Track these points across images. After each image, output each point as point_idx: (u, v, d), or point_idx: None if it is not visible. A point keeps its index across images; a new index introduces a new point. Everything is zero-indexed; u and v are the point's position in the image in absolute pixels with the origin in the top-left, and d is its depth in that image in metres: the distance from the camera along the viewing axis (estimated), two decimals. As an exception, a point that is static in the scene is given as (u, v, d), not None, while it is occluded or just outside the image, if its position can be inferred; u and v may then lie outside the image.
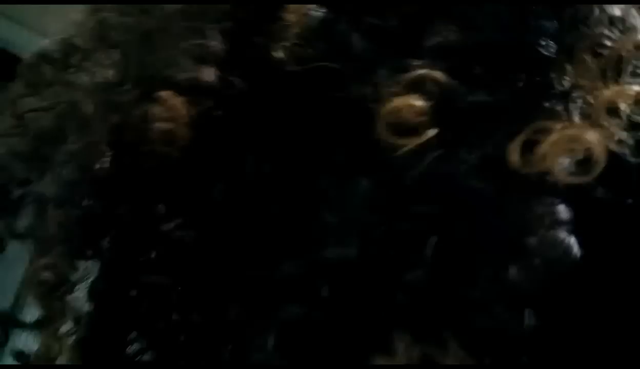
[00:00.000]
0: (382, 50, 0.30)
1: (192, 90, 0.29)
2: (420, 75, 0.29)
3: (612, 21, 0.28)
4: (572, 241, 0.27)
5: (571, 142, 0.26)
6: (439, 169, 0.28)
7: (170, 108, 0.29)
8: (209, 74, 0.29)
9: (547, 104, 0.28)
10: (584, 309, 0.28)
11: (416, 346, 0.27)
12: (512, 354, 0.27)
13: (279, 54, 0.30)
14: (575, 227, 0.27)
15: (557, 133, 0.26)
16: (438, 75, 0.29)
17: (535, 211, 0.27)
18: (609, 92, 0.27)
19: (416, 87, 0.29)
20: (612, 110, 0.27)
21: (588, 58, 0.27)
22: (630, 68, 0.27)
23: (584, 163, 0.26)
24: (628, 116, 0.27)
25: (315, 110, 0.30)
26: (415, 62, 0.29)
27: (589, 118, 0.26)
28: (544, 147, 0.26)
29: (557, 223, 0.27)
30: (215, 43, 0.29)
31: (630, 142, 0.27)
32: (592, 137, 0.26)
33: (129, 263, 0.30)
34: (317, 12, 0.31)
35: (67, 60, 0.35)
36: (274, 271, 0.28)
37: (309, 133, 0.30)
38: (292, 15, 0.30)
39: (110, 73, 0.33)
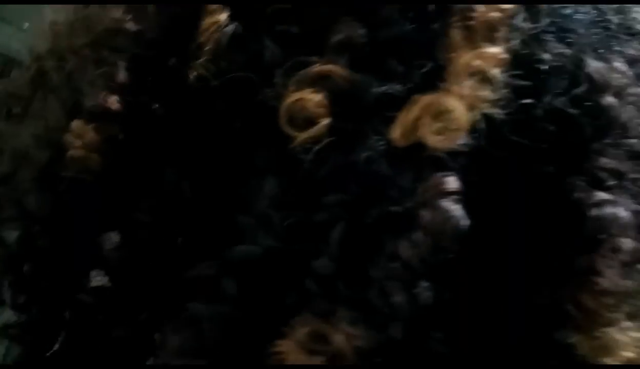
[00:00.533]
0: (290, 51, 0.31)
1: (99, 117, 0.30)
2: (319, 71, 0.30)
3: None
4: (459, 210, 0.27)
5: (431, 109, 0.27)
6: (345, 159, 0.29)
7: (79, 136, 0.30)
8: (113, 101, 0.30)
9: (433, 82, 0.28)
10: (479, 278, 0.28)
11: (308, 324, 0.27)
12: (407, 329, 0.27)
13: (194, 73, 0.31)
14: (466, 195, 0.28)
15: (418, 103, 0.27)
16: (337, 69, 0.30)
17: (424, 184, 0.28)
18: (467, 57, 0.27)
19: (317, 82, 0.30)
20: (482, 75, 0.27)
21: (458, 31, 0.28)
22: (501, 35, 0.28)
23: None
24: (497, 79, 0.27)
25: (228, 119, 0.31)
26: (315, 59, 0.30)
27: (453, 84, 0.27)
28: (407, 118, 0.27)
29: (445, 194, 0.27)
30: (120, 70, 0.31)
31: (502, 102, 0.27)
32: (450, 102, 0.26)
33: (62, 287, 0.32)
34: (228, 27, 0.32)
35: (9, 109, 0.37)
36: (187, 274, 0.29)
37: (223, 142, 0.31)
38: (204, 33, 0.32)
39: (48, 116, 0.35)
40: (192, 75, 0.31)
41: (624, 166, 0.31)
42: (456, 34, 0.28)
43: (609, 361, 0.27)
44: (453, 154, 0.29)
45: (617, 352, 0.27)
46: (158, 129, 0.31)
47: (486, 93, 0.27)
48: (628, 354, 0.27)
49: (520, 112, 0.29)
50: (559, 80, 0.31)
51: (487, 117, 0.28)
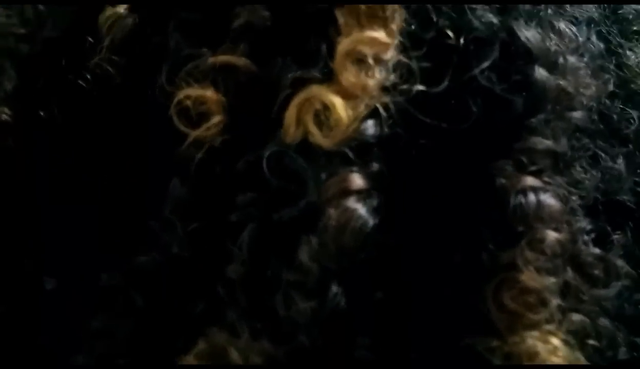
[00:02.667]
0: (193, 41, 0.29)
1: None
2: (213, 62, 0.28)
3: None
4: (363, 210, 0.25)
5: (310, 105, 0.24)
6: (250, 155, 0.27)
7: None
8: (2, 112, 0.29)
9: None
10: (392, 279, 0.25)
11: (209, 338, 0.25)
12: (322, 337, 0.25)
13: (90, 73, 0.29)
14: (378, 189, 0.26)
15: (298, 97, 0.25)
16: (234, 59, 0.28)
17: (328, 182, 0.25)
18: (348, 42, 0.24)
19: (210, 74, 0.28)
20: (366, 61, 0.24)
21: (343, 12, 0.25)
22: (390, 13, 0.25)
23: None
24: (389, 63, 0.25)
25: (131, 119, 0.29)
26: (205, 51, 0.28)
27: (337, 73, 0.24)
28: (290, 114, 0.25)
29: (348, 193, 0.25)
30: (8, 77, 0.29)
31: (403, 86, 0.25)
32: (328, 96, 0.24)
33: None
34: (127, 19, 0.30)
35: None
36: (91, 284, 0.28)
37: (127, 144, 0.29)
38: (102, 28, 0.30)
39: None
40: (88, 75, 0.29)
41: (561, 145, 0.28)
42: (342, 15, 0.25)
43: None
44: (359, 146, 0.26)
45: (539, 359, 0.24)
46: (54, 136, 0.29)
47: (374, 80, 0.25)
48: (554, 359, 0.25)
49: (430, 94, 0.26)
50: (482, 53, 0.28)
51: (384, 105, 0.25)
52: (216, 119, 0.27)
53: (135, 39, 0.30)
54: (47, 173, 0.29)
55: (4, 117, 0.29)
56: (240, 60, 0.27)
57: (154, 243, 0.28)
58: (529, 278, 0.25)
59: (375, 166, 0.26)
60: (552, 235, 0.25)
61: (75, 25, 0.30)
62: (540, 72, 0.28)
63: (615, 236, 0.30)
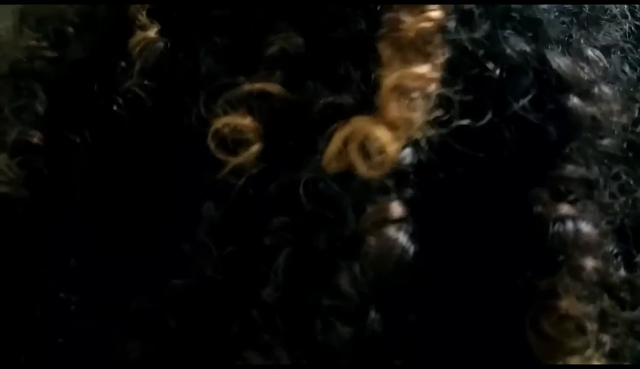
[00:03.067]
0: (226, 67, 0.29)
1: (21, 151, 0.29)
2: (249, 90, 0.28)
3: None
4: (404, 239, 0.25)
5: (357, 136, 0.24)
6: (286, 181, 0.27)
7: (4, 172, 0.28)
8: (34, 135, 0.28)
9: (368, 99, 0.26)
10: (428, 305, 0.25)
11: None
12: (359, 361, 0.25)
13: (121, 98, 0.29)
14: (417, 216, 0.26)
15: (344, 128, 0.25)
16: (269, 86, 0.28)
17: (368, 211, 0.25)
18: (394, 77, 0.24)
19: (247, 102, 0.28)
20: (411, 96, 0.25)
21: (387, 45, 0.25)
22: (433, 48, 0.25)
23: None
24: (437, 96, 0.25)
25: (162, 143, 0.29)
26: (241, 79, 0.28)
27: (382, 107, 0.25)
28: (334, 144, 0.25)
29: (388, 222, 0.25)
30: (40, 101, 0.29)
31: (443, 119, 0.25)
32: (375, 130, 0.24)
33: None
34: (158, 43, 0.30)
35: None
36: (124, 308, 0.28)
37: (158, 168, 0.29)
38: (132, 52, 0.30)
39: None
40: (120, 100, 0.29)
41: (593, 172, 0.28)
42: (385, 48, 0.25)
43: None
44: (397, 174, 0.26)
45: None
46: (85, 159, 0.29)
47: (417, 115, 0.25)
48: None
49: (470, 125, 0.26)
50: (517, 82, 0.28)
51: (427, 139, 0.25)
52: (255, 148, 0.27)
53: (167, 64, 0.29)
54: (78, 197, 0.29)
55: (35, 140, 0.28)
56: (275, 88, 0.27)
57: (188, 267, 0.28)
58: (569, 305, 0.25)
59: (410, 192, 0.26)
60: (590, 263, 0.25)
61: (104, 47, 0.30)
62: (573, 101, 0.28)
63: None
